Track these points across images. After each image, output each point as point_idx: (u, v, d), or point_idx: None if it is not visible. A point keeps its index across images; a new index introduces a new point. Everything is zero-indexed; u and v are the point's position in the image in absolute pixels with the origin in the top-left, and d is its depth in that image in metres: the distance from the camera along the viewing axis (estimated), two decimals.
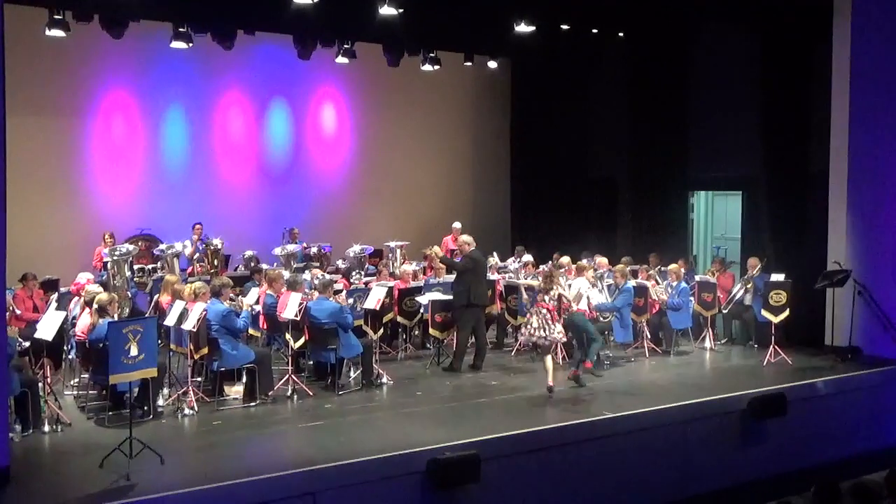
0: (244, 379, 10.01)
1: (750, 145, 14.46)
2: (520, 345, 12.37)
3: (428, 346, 12.70)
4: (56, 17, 12.89)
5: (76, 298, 10.75)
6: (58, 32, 13.08)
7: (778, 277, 12.27)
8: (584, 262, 12.67)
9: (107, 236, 13.92)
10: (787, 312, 11.91)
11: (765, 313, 12.05)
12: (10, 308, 10.28)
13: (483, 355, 11.64)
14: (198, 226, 14.68)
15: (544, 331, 10.28)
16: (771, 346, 11.93)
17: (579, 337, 10.90)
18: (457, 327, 11.67)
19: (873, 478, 7.08)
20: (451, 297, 11.76)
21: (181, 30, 13.75)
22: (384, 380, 10.80)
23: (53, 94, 14.93)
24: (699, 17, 15.09)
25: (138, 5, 12.33)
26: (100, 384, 9.40)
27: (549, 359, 10.42)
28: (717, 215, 17.08)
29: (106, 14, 12.87)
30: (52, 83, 14.79)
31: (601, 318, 11.96)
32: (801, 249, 13.24)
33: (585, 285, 11.35)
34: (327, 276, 12.19)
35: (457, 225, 15.95)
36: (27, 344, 9.31)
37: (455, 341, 11.80)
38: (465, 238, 12.04)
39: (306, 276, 12.54)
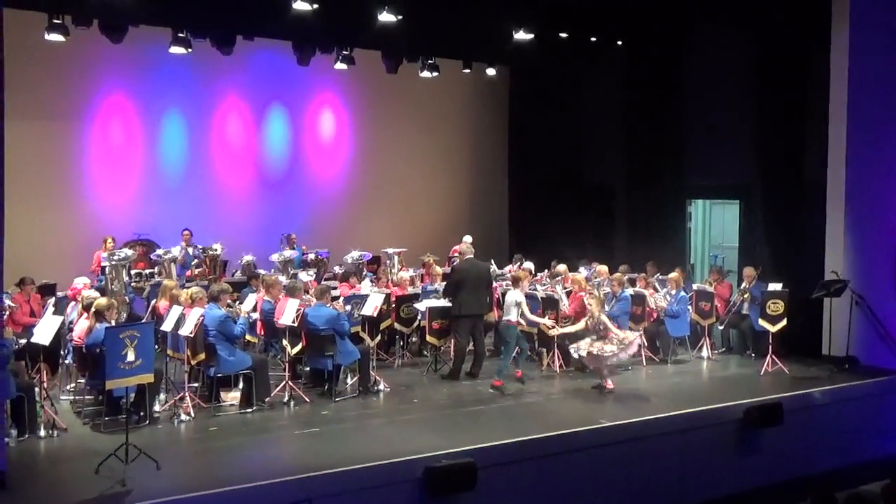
0: (241, 385, 10.00)
1: (748, 154, 14.48)
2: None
3: (425, 353, 12.68)
4: (55, 21, 12.92)
5: (73, 303, 10.74)
6: (57, 37, 13.11)
7: (775, 287, 12.26)
8: (523, 271, 12.45)
9: (108, 241, 13.89)
10: (784, 322, 11.90)
11: (762, 323, 12.05)
12: (8, 311, 10.25)
13: (481, 363, 11.62)
14: (185, 232, 14.67)
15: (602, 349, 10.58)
16: (768, 356, 11.92)
17: (505, 345, 11.03)
18: (454, 336, 11.66)
19: (870, 488, 7.07)
20: (448, 303, 11.78)
21: (180, 35, 13.77)
22: (381, 387, 10.78)
23: (52, 99, 14.95)
24: (696, 26, 15.14)
25: (137, 10, 12.33)
26: (96, 389, 9.40)
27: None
28: (714, 224, 17.09)
29: (105, 19, 12.88)
30: (50, 87, 14.82)
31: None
32: (799, 258, 13.24)
33: (520, 297, 11.08)
34: (302, 277, 12.38)
35: (467, 239, 15.94)
36: (23, 341, 9.28)
37: (453, 349, 11.79)
38: (460, 246, 12.12)
39: (303, 276, 12.66)
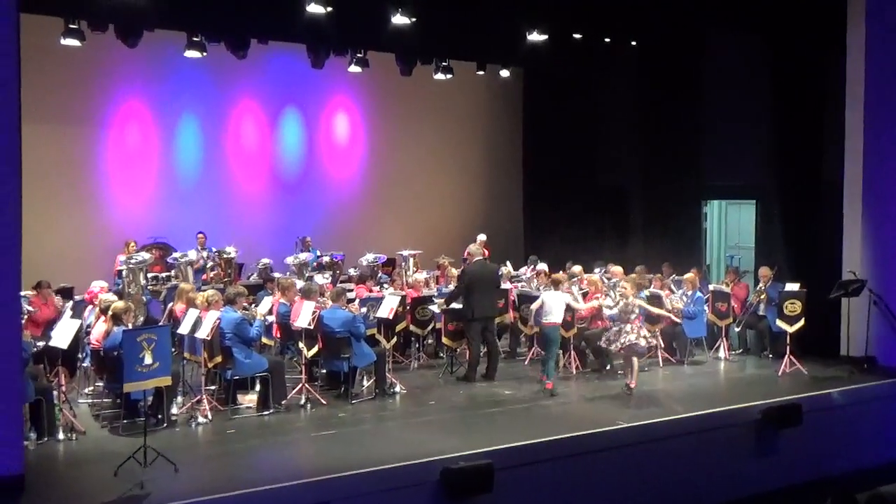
0: (257, 387, 10.03)
1: (763, 153, 14.42)
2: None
3: (441, 355, 12.68)
4: (71, 26, 12.99)
5: (90, 306, 10.79)
6: (73, 42, 13.18)
7: (793, 287, 12.20)
8: (563, 273, 12.50)
9: (131, 244, 13.96)
10: (802, 322, 11.84)
11: (780, 323, 11.99)
12: (27, 314, 10.30)
13: (495, 364, 11.59)
14: (200, 235, 14.70)
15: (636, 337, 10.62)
16: (786, 356, 11.86)
17: (548, 347, 11.01)
18: (467, 338, 11.64)
19: (890, 489, 7.01)
20: (450, 307, 11.79)
21: (195, 39, 13.79)
22: (397, 389, 10.78)
23: (68, 103, 15.02)
24: (711, 26, 15.07)
25: (152, 14, 12.38)
26: (114, 392, 9.44)
27: (635, 360, 10.71)
28: (730, 224, 17.01)
29: (120, 23, 12.91)
30: (67, 92, 14.89)
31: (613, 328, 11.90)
32: (816, 258, 13.17)
33: (568, 297, 11.18)
34: (317, 280, 12.37)
35: (482, 237, 15.96)
36: (41, 344, 9.33)
37: (468, 351, 11.78)
38: (469, 248, 12.05)
39: (319, 278, 12.68)
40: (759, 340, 13.14)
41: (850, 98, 12.62)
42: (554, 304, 10.86)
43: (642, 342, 10.72)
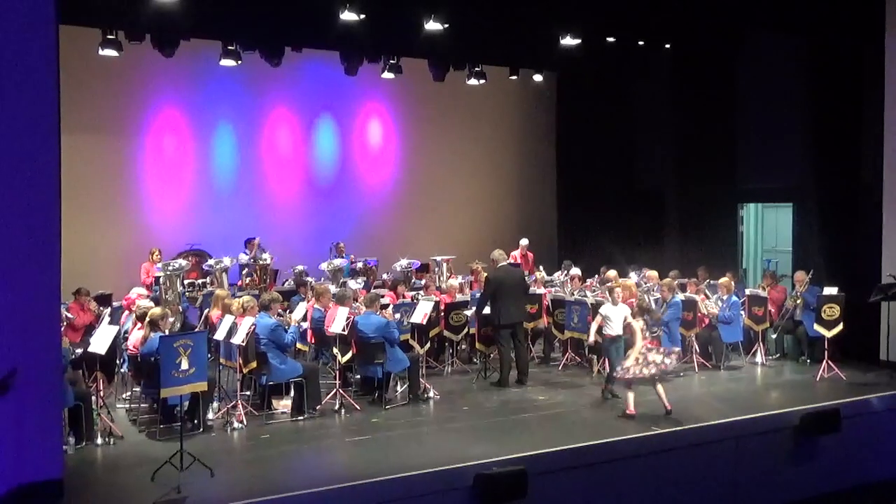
0: (292, 393, 10.08)
1: (800, 155, 14.26)
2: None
3: (475, 360, 12.67)
4: (109, 36, 13.20)
5: (127, 313, 10.93)
6: (110, 52, 13.40)
7: (831, 291, 12.03)
8: (633, 279, 12.35)
9: (155, 253, 14.14)
10: (840, 327, 11.68)
11: (818, 328, 11.83)
12: (66, 321, 10.46)
13: (526, 369, 11.52)
14: (256, 240, 14.78)
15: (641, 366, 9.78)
16: (824, 361, 11.70)
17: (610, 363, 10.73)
18: (497, 344, 11.61)
19: None
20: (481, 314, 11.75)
21: (230, 48, 13.96)
22: (431, 394, 10.79)
23: (106, 113, 15.27)
24: (746, 26, 14.94)
25: (188, 24, 12.54)
26: (151, 398, 9.54)
27: (660, 387, 9.93)
28: (767, 228, 16.85)
29: (157, 33, 13.11)
30: (104, 102, 15.14)
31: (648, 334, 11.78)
32: (855, 262, 13.00)
33: (626, 311, 10.62)
34: (351, 285, 12.39)
35: (524, 241, 15.92)
36: (79, 351, 9.46)
37: (499, 357, 11.75)
38: (493, 253, 11.89)
39: (352, 283, 12.72)
40: (796, 345, 12.98)
41: (889, 98, 12.43)
42: (614, 316, 10.64)
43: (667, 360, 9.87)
